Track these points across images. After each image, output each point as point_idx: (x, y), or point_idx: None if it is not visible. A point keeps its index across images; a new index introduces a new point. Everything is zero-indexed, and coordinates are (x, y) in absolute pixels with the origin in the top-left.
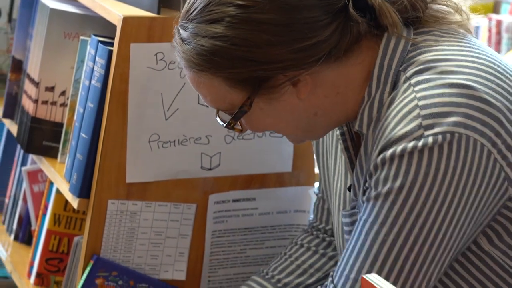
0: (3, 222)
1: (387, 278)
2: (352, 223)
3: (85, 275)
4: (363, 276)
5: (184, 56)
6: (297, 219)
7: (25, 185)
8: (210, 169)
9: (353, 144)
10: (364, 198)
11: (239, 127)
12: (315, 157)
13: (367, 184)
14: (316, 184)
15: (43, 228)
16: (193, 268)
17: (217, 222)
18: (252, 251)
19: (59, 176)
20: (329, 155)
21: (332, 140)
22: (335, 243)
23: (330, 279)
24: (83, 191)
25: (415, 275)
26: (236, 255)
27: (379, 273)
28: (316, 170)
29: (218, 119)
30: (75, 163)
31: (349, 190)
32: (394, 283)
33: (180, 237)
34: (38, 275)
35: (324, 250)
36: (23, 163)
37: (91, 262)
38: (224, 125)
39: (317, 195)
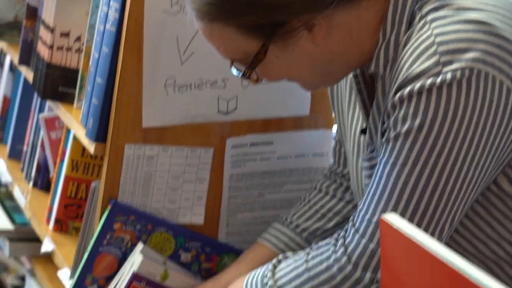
0: (22, 170)
1: (410, 219)
2: (372, 167)
3: (102, 220)
4: (381, 217)
5: (195, 6)
6: (316, 163)
7: (42, 132)
8: (227, 113)
9: (367, 87)
10: (383, 139)
11: (255, 77)
12: (330, 100)
13: (385, 126)
14: (335, 128)
15: (61, 174)
16: (211, 212)
17: (234, 167)
18: (270, 195)
19: (75, 122)
20: (343, 99)
21: (346, 83)
22: None
23: (350, 223)
24: (99, 135)
25: (439, 215)
26: (254, 199)
27: (402, 214)
28: None
29: (233, 69)
30: (91, 108)
31: (363, 133)
32: (418, 224)
33: (197, 182)
34: (57, 221)
35: (342, 195)
36: (40, 110)
37: (109, 207)
38: (240, 75)
39: (334, 138)
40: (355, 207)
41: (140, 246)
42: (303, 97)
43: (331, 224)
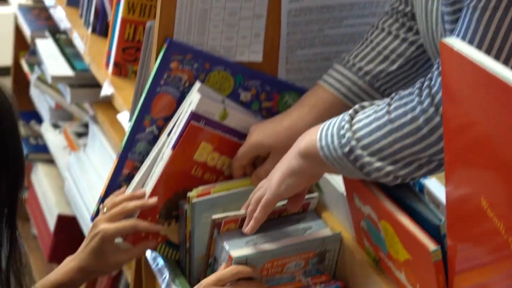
0: (81, 16)
1: (505, 64)
2: (455, 12)
3: (159, 59)
4: (442, 40)
5: None
6: None
7: None
8: None
9: None
10: None
11: None
12: None
13: None
14: None
15: (117, 17)
16: (270, 49)
17: (292, 1)
18: (330, 30)
19: None
20: None
21: None
22: (416, 27)
23: (436, 72)
24: None
25: None
26: (314, 34)
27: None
28: None
29: None
30: None
31: None
32: None
33: (254, 18)
34: (116, 64)
35: (405, 35)
36: None
37: (165, 46)
38: None
39: None
40: (419, 48)
41: (198, 85)
42: None
43: (394, 66)
